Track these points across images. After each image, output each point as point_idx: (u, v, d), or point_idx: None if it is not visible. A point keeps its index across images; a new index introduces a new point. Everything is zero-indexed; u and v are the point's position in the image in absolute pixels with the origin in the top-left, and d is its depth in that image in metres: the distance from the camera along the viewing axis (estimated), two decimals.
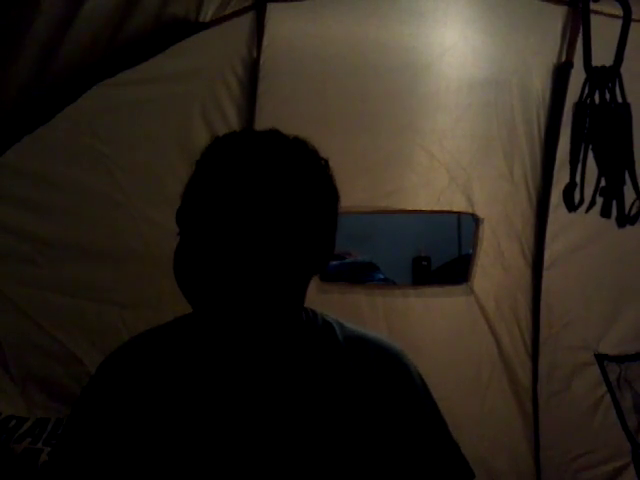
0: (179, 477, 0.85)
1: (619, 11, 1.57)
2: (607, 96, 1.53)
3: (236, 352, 0.89)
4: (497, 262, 2.24)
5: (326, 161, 0.91)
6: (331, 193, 0.91)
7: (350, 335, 0.95)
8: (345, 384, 0.89)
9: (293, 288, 0.89)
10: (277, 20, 1.97)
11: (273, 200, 0.83)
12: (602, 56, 1.55)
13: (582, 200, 1.60)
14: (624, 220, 1.57)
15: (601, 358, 2.28)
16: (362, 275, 3.80)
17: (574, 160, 1.58)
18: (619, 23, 1.55)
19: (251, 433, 0.86)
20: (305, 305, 0.96)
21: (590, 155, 1.56)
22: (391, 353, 0.95)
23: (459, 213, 2.34)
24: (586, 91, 1.56)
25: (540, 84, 2.14)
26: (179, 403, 0.88)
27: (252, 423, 0.86)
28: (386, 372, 0.92)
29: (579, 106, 1.58)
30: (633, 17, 1.54)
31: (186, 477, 0.85)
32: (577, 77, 1.90)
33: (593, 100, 1.55)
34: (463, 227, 4.47)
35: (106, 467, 0.88)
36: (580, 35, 1.63)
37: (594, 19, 1.57)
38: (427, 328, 2.24)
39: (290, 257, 0.84)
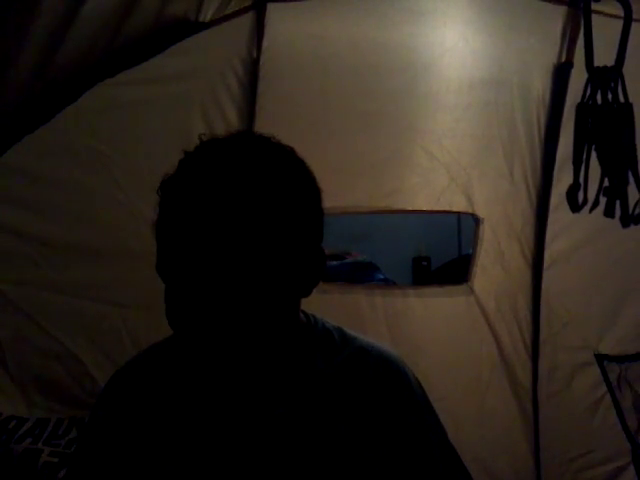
0: None
1: (619, 11, 1.57)
2: (609, 96, 1.53)
3: (233, 366, 0.87)
4: (497, 262, 2.24)
5: (292, 151, 0.85)
6: (310, 188, 0.85)
7: (349, 343, 0.94)
8: (342, 393, 0.89)
9: (287, 303, 0.87)
10: (277, 20, 1.96)
11: (254, 218, 0.78)
12: (603, 56, 1.55)
13: (586, 201, 1.60)
14: (628, 220, 1.56)
15: (601, 358, 2.28)
16: (362, 275, 3.80)
17: (577, 161, 1.58)
18: (619, 23, 1.55)
19: (251, 447, 0.86)
20: (305, 306, 0.94)
21: (593, 155, 1.56)
22: (390, 362, 0.94)
23: (459, 213, 2.34)
24: (588, 91, 1.56)
25: (540, 84, 2.14)
26: (185, 420, 0.88)
27: (251, 437, 0.86)
28: (385, 381, 0.91)
29: (581, 107, 1.57)
30: (634, 17, 1.54)
31: None
32: (578, 77, 1.90)
33: (595, 100, 1.55)
34: (463, 227, 4.47)
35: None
36: (580, 35, 1.63)
37: (594, 19, 1.57)
38: (427, 328, 2.24)
39: (281, 273, 0.81)
